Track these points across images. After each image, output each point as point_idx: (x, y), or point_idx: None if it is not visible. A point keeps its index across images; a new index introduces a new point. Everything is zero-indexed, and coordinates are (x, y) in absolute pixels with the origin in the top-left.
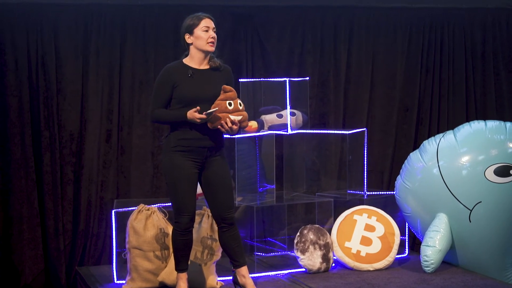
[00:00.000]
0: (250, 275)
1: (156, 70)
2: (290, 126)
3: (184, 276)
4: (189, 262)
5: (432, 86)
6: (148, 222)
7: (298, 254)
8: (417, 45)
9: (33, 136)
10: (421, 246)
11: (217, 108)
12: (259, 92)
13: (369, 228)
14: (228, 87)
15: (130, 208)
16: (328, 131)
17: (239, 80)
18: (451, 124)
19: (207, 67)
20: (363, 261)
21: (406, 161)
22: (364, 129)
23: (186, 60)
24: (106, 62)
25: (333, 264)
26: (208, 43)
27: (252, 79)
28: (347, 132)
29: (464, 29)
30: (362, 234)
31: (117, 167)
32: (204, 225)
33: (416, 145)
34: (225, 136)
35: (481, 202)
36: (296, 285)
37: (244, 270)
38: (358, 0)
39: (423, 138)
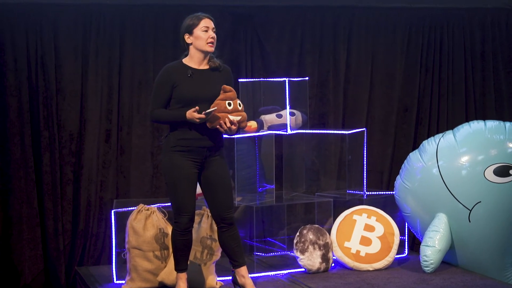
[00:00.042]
0: (250, 275)
1: (156, 70)
2: (290, 126)
3: (183, 276)
4: (188, 262)
5: (431, 86)
6: (147, 222)
7: (297, 254)
8: (416, 45)
9: (33, 136)
10: (421, 246)
11: (215, 108)
12: (259, 92)
13: (369, 228)
14: (228, 87)
15: (129, 208)
16: (328, 131)
17: (239, 80)
18: (450, 124)
19: (206, 67)
20: (362, 261)
21: (405, 161)
22: (364, 129)
23: (185, 60)
24: (105, 62)
25: (333, 264)
26: (207, 43)
27: (252, 79)
28: (346, 132)
29: (464, 29)
30: (362, 234)
31: (117, 167)
32: (204, 225)
33: (415, 145)
34: (224, 136)
35: (480, 202)
36: (296, 285)
37: (243, 270)
38: (357, 0)
39: (423, 138)
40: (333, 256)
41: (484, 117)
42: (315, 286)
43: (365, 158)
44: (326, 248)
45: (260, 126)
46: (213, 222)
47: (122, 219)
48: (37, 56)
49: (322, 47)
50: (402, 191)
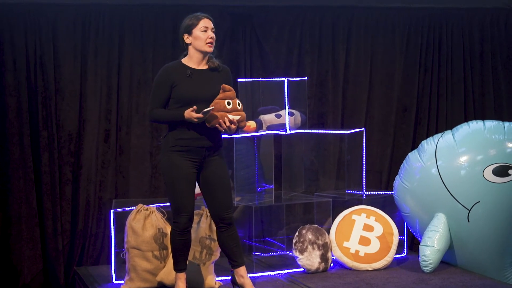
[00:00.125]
0: (249, 275)
1: (155, 70)
2: (289, 126)
3: (182, 276)
4: (187, 262)
5: (430, 86)
6: (146, 222)
7: (296, 254)
8: (415, 45)
9: (32, 136)
10: (420, 246)
11: (213, 107)
12: (258, 92)
13: (368, 228)
14: (227, 86)
15: (128, 208)
16: (327, 131)
17: (238, 80)
18: (449, 124)
19: (205, 67)
20: (361, 261)
21: (404, 161)
22: (363, 129)
23: (184, 60)
24: (104, 62)
25: (332, 264)
26: (206, 43)
27: (251, 79)
28: (345, 132)
29: (463, 29)
30: (361, 234)
31: (116, 167)
32: (203, 225)
33: (414, 145)
34: (223, 136)
35: (479, 202)
36: (295, 285)
37: (242, 270)
38: (356, 0)
39: (422, 138)
40: (332, 256)
41: (483, 117)
42: (314, 286)
43: (364, 158)
44: (325, 248)
45: (259, 126)
46: (212, 222)
47: (121, 219)
48: (36, 56)
49: (321, 47)
50: (401, 191)
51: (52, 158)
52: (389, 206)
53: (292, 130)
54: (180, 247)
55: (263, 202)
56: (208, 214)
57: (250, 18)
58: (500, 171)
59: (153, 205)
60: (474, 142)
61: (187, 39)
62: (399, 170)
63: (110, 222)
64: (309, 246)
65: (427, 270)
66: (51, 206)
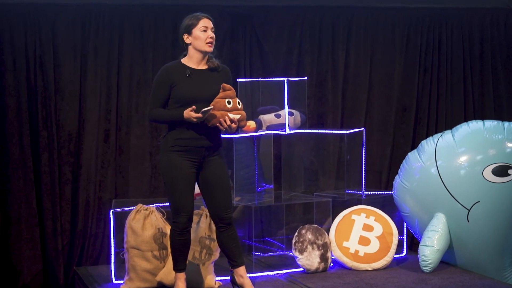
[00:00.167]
0: (248, 275)
1: (154, 70)
2: (288, 126)
3: (182, 276)
4: (187, 262)
5: (430, 86)
6: (146, 222)
7: (296, 254)
8: (415, 45)
9: (31, 136)
10: (419, 246)
11: (212, 107)
12: (257, 92)
13: (367, 228)
14: (227, 86)
15: (128, 208)
16: (326, 131)
17: (237, 80)
18: (449, 123)
19: (205, 67)
20: (361, 261)
21: (404, 161)
22: (362, 129)
23: (184, 60)
24: (104, 62)
25: (331, 264)
26: (206, 43)
27: (250, 79)
28: (345, 132)
29: (462, 29)
30: (360, 234)
31: (115, 167)
32: (202, 225)
33: (414, 145)
34: (223, 135)
35: (479, 202)
36: (294, 285)
37: (242, 270)
38: (356, 0)
39: (421, 137)
40: (332, 256)
41: (482, 117)
42: (314, 286)
43: (363, 158)
44: (324, 248)
45: (259, 126)
46: (212, 222)
47: (121, 219)
48: (36, 56)
49: (321, 47)
50: (400, 191)
51: (51, 158)
52: (389, 206)
53: (292, 130)
54: (179, 247)
55: (263, 202)
56: (208, 214)
57: (250, 18)
58: (500, 171)
59: (152, 205)
60: (473, 142)
61: (187, 39)
62: (399, 170)
63: (110, 222)
64: (308, 246)
65: (426, 270)
66: (50, 206)
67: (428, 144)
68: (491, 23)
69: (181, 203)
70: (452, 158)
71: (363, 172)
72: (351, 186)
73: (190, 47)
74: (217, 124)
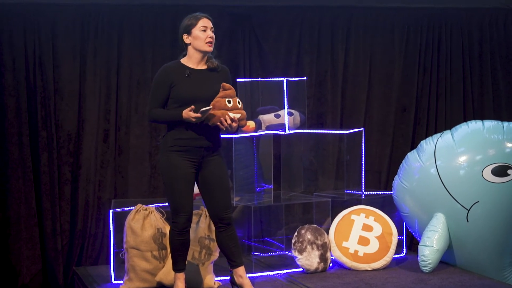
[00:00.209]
0: (248, 275)
1: (154, 70)
2: (288, 126)
3: (181, 276)
4: (186, 262)
5: (429, 86)
6: (145, 222)
7: (295, 254)
8: (414, 45)
9: (31, 136)
10: (419, 246)
11: (211, 107)
12: (257, 92)
13: (367, 228)
14: (227, 85)
15: (127, 208)
16: (326, 131)
17: (237, 80)
18: (448, 124)
19: (204, 67)
20: (360, 261)
21: (403, 161)
22: (362, 129)
23: (183, 60)
24: (103, 62)
25: (331, 264)
26: (206, 43)
27: (250, 79)
28: (344, 132)
29: (462, 29)
30: (360, 234)
31: (115, 167)
32: (202, 225)
33: (413, 145)
34: (222, 135)
35: (478, 202)
36: (294, 285)
37: (241, 270)
38: (356, 0)
39: (421, 138)
40: (331, 256)
41: (482, 117)
42: (313, 286)
43: (363, 158)
44: (324, 248)
45: (258, 126)
46: (211, 222)
47: (120, 219)
48: (35, 56)
49: (320, 47)
50: (400, 191)
51: (51, 158)
52: (388, 206)
53: (291, 130)
54: (179, 247)
55: (262, 202)
56: (207, 214)
57: (249, 18)
58: (499, 171)
59: (152, 205)
60: (473, 142)
61: (186, 39)
62: (398, 170)
63: (109, 222)
64: (308, 246)
65: (426, 270)
66: (50, 206)
67: (427, 144)
68: (490, 23)
69: (180, 203)
70: (451, 158)
71: (363, 172)
72: (351, 186)
73: (189, 47)
74: (218, 123)
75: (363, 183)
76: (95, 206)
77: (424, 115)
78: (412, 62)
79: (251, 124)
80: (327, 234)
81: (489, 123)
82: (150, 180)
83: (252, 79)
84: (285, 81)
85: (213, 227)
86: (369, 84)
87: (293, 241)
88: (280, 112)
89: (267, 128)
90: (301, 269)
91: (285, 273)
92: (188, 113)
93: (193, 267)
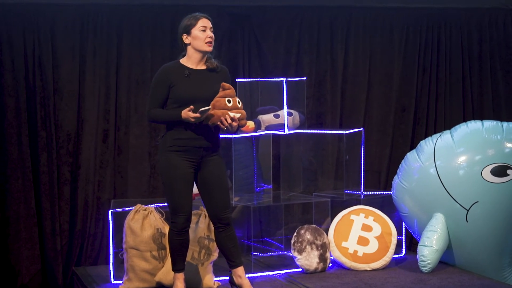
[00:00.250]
0: (247, 275)
1: (153, 70)
2: (287, 126)
3: (181, 276)
4: (186, 262)
5: (429, 86)
6: (145, 222)
7: (295, 254)
8: (414, 45)
9: (30, 136)
10: (418, 246)
11: (210, 107)
12: (256, 92)
13: (366, 228)
14: (226, 85)
15: (127, 208)
16: (325, 131)
17: (236, 80)
18: (448, 124)
19: (204, 67)
20: (360, 261)
21: (403, 161)
22: (361, 129)
23: (183, 61)
24: (103, 62)
25: (330, 264)
26: (206, 43)
27: (249, 79)
28: (344, 132)
29: (461, 29)
30: (359, 234)
31: (114, 167)
32: (201, 225)
33: (413, 145)
34: (222, 136)
35: (478, 202)
36: (293, 285)
37: (240, 270)
38: (355, 0)
39: (420, 138)
40: (331, 256)
41: (481, 117)
42: (313, 286)
43: (362, 158)
44: (323, 248)
45: (258, 126)
46: (211, 222)
47: (120, 219)
48: (35, 56)
49: (319, 47)
50: (399, 191)
51: (50, 158)
52: (388, 206)
53: (291, 130)
54: (178, 247)
55: (262, 202)
56: (207, 214)
57: (249, 18)
58: (499, 171)
59: (151, 205)
60: (472, 142)
61: (185, 39)
62: (398, 170)
63: (109, 222)
64: (307, 246)
65: (425, 270)
66: (49, 206)
67: (427, 144)
68: (489, 23)
69: (179, 203)
70: (451, 158)
71: (362, 172)
72: (350, 186)
73: (189, 47)
74: (218, 123)
75: (362, 183)
76: (94, 206)
77: (423, 115)
78: (412, 62)
79: (250, 124)
80: (327, 234)
81: (488, 123)
82: (149, 180)
83: (252, 79)
84: (284, 81)
85: (212, 227)
86: (368, 84)
87: (292, 241)
88: (279, 112)
89: (267, 128)
90: (300, 269)
91: (284, 273)
92: (187, 113)
93: (192, 267)
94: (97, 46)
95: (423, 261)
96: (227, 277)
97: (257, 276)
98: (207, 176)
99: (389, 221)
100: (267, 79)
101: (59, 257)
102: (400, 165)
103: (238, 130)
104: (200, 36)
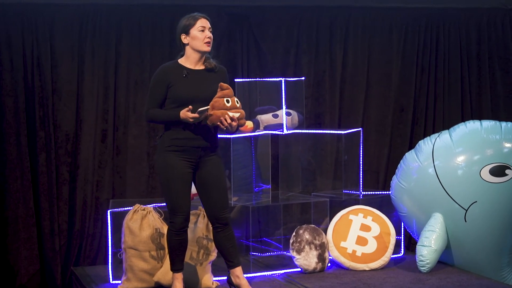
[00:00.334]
0: (246, 275)
1: (152, 70)
2: (286, 126)
3: (179, 276)
4: (184, 262)
5: (427, 86)
6: (143, 222)
7: (293, 254)
8: (412, 45)
9: (29, 136)
10: (417, 246)
11: (209, 107)
12: (255, 92)
13: (365, 228)
14: (225, 85)
15: (125, 208)
16: (324, 131)
17: (235, 80)
18: (446, 124)
19: (202, 67)
20: (358, 261)
21: (401, 161)
22: (360, 129)
23: (181, 61)
24: (101, 62)
25: (329, 264)
26: (204, 43)
27: (248, 79)
28: (342, 132)
29: (460, 29)
30: (358, 234)
31: (113, 167)
32: (200, 225)
33: (411, 145)
34: (220, 135)
35: (476, 202)
36: (292, 285)
37: (238, 270)
38: (353, 0)
39: (419, 138)
40: (329, 256)
41: (480, 117)
42: (311, 286)
43: (361, 158)
44: (322, 248)
45: (256, 126)
46: (209, 222)
47: (118, 219)
48: (33, 56)
49: (318, 47)
50: (398, 191)
51: (49, 158)
52: (386, 206)
53: (289, 130)
54: (176, 247)
55: (260, 202)
56: (205, 214)
57: (247, 18)
58: (497, 171)
59: (150, 205)
60: (471, 142)
61: (184, 39)
62: (396, 170)
63: (107, 222)
64: (306, 246)
65: (424, 270)
66: (48, 206)
67: (425, 144)
68: (488, 23)
69: (177, 203)
70: (449, 158)
71: (361, 172)
72: (349, 186)
73: (187, 47)
74: (218, 123)
75: (361, 183)
76: (93, 206)
77: (422, 115)
78: (410, 62)
79: (249, 124)
80: (325, 234)
81: (487, 123)
82: (148, 180)
83: (250, 79)
84: (283, 81)
85: (211, 227)
86: (367, 84)
87: (291, 241)
88: (278, 112)
89: (265, 128)
90: (299, 269)
91: (283, 273)
92: (186, 114)
93: (191, 267)
94: (96, 46)
95: (422, 261)
96: (226, 277)
97: (256, 276)
98: (205, 176)
99: (388, 221)
100: (266, 79)
101: (57, 257)
102: (399, 165)
103: (237, 130)
104: (199, 36)
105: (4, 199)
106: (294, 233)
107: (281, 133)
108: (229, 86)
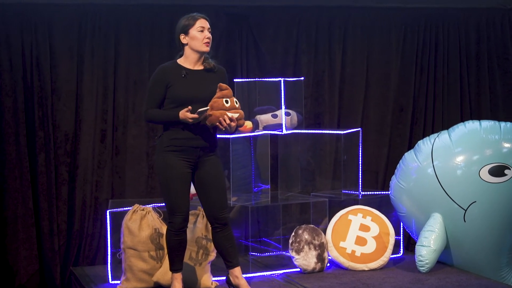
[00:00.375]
0: (245, 275)
1: (151, 70)
2: (285, 126)
3: (178, 276)
4: (183, 262)
5: (427, 86)
6: (143, 222)
7: (293, 254)
8: (412, 45)
9: (28, 136)
10: (416, 246)
11: (208, 108)
12: (254, 92)
13: (364, 228)
14: (224, 85)
15: (125, 208)
16: (323, 131)
17: (234, 80)
18: (445, 124)
19: (201, 67)
20: (358, 261)
21: (400, 161)
22: (359, 129)
23: (180, 61)
24: (101, 62)
25: (328, 264)
26: (203, 43)
27: (247, 79)
28: (342, 132)
29: (459, 29)
30: (357, 234)
31: (112, 167)
32: (199, 225)
33: (411, 145)
34: (220, 136)
35: (475, 202)
36: (291, 285)
37: (237, 270)
38: (353, 0)
39: (418, 138)
40: (329, 256)
41: (479, 117)
42: (311, 286)
43: (360, 158)
44: (321, 248)
45: (256, 126)
46: (208, 222)
47: (117, 219)
48: (32, 56)
49: (317, 47)
50: (397, 191)
51: (48, 158)
52: (386, 206)
53: (289, 130)
54: (176, 247)
55: (260, 202)
56: (204, 214)
57: (246, 18)
58: (496, 171)
59: (149, 205)
60: (470, 142)
61: (183, 39)
62: (396, 170)
63: (107, 222)
64: (305, 246)
65: (423, 270)
66: (47, 206)
67: (424, 144)
68: (487, 23)
69: (176, 203)
70: (448, 158)
71: (360, 172)
72: (348, 186)
73: (186, 48)
74: (217, 123)
75: (360, 183)
76: (92, 206)
77: (421, 115)
78: (410, 62)
79: (248, 124)
80: (324, 234)
81: (486, 123)
82: (147, 180)
83: (250, 79)
84: (282, 81)
85: (210, 227)
86: (366, 84)
87: (290, 241)
88: (277, 112)
89: (265, 128)
90: (298, 269)
91: (282, 273)
92: (185, 114)
93: (190, 267)
94: (95, 46)
95: (421, 261)
96: (225, 277)
97: (255, 276)
98: (204, 176)
99: (387, 221)
100: (265, 79)
101: (57, 257)
102: (398, 165)
103: (236, 130)
104: (198, 36)
105: (3, 199)
106: (293, 233)
107: (280, 133)
108: (228, 87)
